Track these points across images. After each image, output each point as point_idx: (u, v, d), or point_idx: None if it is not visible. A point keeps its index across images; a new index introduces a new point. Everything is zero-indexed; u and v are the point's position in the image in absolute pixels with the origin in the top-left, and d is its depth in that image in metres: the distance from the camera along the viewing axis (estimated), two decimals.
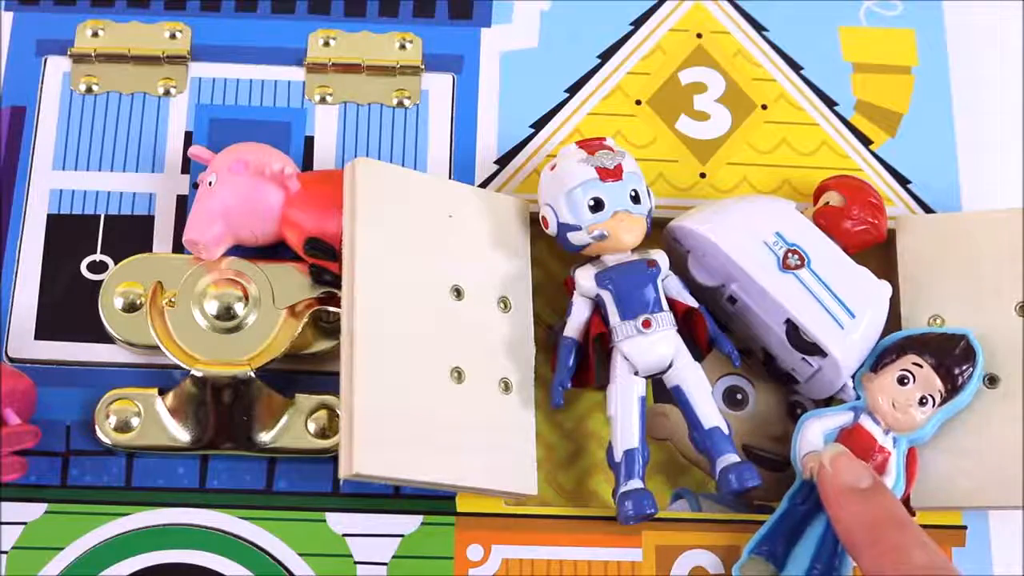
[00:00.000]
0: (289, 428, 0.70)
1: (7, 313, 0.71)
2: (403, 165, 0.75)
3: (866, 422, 0.68)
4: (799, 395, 0.73)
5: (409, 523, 0.69)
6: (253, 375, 0.69)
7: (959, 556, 0.70)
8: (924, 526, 0.69)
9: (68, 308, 0.72)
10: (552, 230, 0.70)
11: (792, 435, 0.69)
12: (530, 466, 0.69)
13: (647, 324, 0.68)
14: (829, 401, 0.71)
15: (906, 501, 0.69)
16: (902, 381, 0.68)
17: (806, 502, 0.68)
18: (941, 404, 0.68)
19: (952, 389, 0.68)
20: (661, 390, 0.71)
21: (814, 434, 0.69)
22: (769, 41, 0.79)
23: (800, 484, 0.68)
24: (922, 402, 0.68)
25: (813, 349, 0.69)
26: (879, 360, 0.69)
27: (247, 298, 0.70)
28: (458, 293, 0.69)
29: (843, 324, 0.68)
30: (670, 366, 0.69)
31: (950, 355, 0.68)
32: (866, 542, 0.61)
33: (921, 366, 0.68)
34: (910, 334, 0.70)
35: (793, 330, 0.69)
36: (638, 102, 0.78)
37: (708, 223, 0.70)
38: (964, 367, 0.68)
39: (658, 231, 0.72)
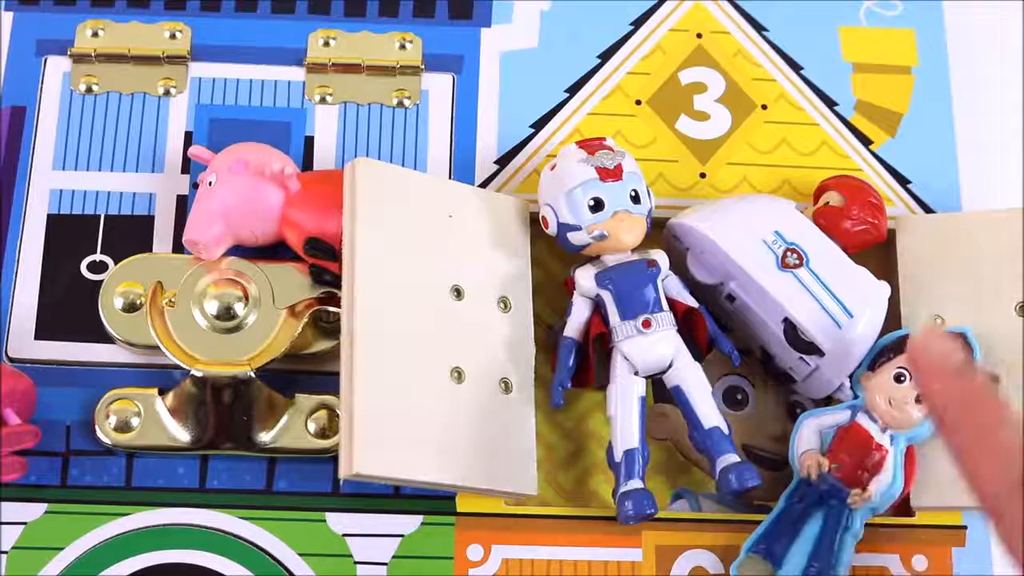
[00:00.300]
0: (289, 428, 0.70)
1: (7, 313, 0.71)
2: (403, 165, 0.75)
3: (863, 420, 0.68)
4: (798, 395, 0.73)
5: (409, 523, 0.69)
6: (253, 375, 0.69)
7: (959, 556, 0.70)
8: (924, 526, 0.69)
9: (68, 308, 0.72)
10: (552, 230, 0.70)
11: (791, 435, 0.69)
12: (530, 466, 0.69)
13: (647, 324, 0.68)
14: (828, 401, 0.71)
15: (906, 500, 0.69)
16: (899, 379, 0.68)
17: (803, 501, 0.68)
18: None
19: None
20: (661, 390, 0.71)
21: (811, 433, 0.69)
22: (769, 41, 0.79)
23: (797, 483, 0.68)
24: (918, 400, 0.68)
25: (811, 348, 0.69)
26: (876, 359, 0.69)
27: (247, 298, 0.70)
28: (458, 293, 0.69)
29: (841, 324, 0.68)
30: (670, 366, 0.69)
31: None
32: (957, 420, 0.60)
33: None
34: (908, 332, 0.70)
35: (791, 329, 0.69)
36: (638, 102, 0.78)
37: (707, 221, 0.70)
38: None
39: (658, 231, 0.72)
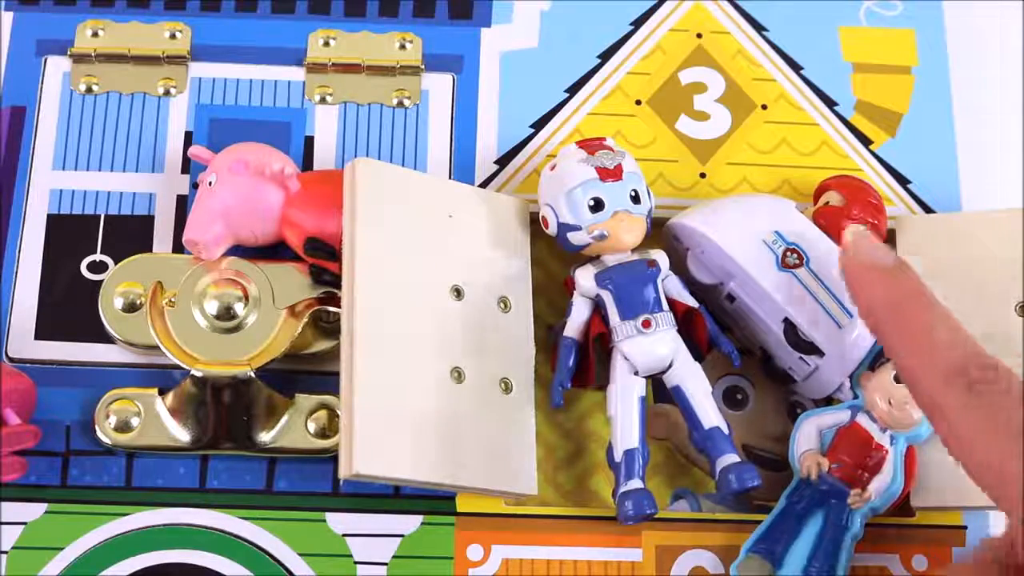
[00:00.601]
0: (289, 428, 0.70)
1: (7, 313, 0.71)
2: (403, 165, 0.75)
3: (863, 420, 0.68)
4: (798, 395, 0.73)
5: (409, 523, 0.69)
6: (253, 375, 0.69)
7: (959, 556, 0.70)
8: (924, 526, 0.69)
9: (68, 308, 0.72)
10: (552, 230, 0.70)
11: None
12: (530, 466, 0.69)
13: (647, 324, 0.68)
14: (829, 401, 0.71)
15: (906, 500, 0.69)
16: (899, 379, 0.68)
17: (803, 500, 0.68)
18: None
19: None
20: (661, 390, 0.71)
21: (811, 433, 0.69)
22: (769, 41, 0.79)
23: (797, 482, 0.68)
24: None
25: (811, 348, 0.69)
26: (876, 359, 0.69)
27: (247, 298, 0.70)
28: (458, 293, 0.69)
29: (841, 324, 0.68)
30: (670, 366, 0.69)
31: None
32: (888, 321, 0.60)
33: None
34: None
35: (791, 329, 0.69)
36: (638, 102, 0.78)
37: (707, 221, 0.70)
38: None
39: (658, 231, 0.72)
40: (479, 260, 0.71)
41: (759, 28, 0.80)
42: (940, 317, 0.59)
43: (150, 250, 0.73)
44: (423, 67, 0.77)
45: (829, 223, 0.71)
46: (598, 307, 0.69)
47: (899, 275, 0.61)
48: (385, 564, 0.68)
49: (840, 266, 0.63)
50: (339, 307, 0.68)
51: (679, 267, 0.71)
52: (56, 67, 0.76)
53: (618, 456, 0.68)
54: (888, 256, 0.62)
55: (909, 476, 0.68)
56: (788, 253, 0.69)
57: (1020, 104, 0.79)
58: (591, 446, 0.73)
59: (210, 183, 0.71)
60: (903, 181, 0.77)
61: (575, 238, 0.69)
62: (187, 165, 0.75)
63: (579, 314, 0.70)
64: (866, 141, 0.77)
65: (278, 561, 0.68)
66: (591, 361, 0.69)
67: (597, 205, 0.68)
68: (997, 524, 0.70)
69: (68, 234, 0.73)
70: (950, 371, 0.57)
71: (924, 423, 0.68)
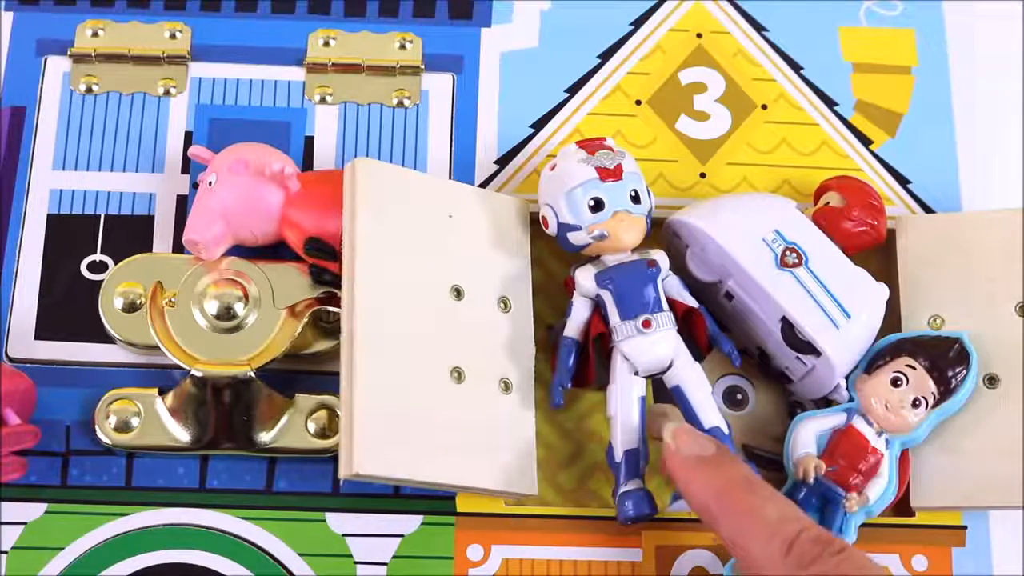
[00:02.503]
0: (289, 428, 0.70)
1: (7, 313, 0.71)
2: (403, 165, 0.75)
3: (859, 423, 0.68)
4: (798, 395, 0.73)
5: (409, 523, 0.69)
6: (253, 375, 0.69)
7: (959, 556, 0.70)
8: (924, 526, 0.69)
9: (68, 308, 0.72)
10: (552, 230, 0.70)
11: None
12: (530, 466, 0.69)
13: (647, 324, 0.68)
14: (827, 402, 0.71)
15: (906, 500, 0.69)
16: (895, 383, 0.68)
17: (797, 502, 0.67)
18: (934, 407, 0.68)
19: (945, 392, 0.68)
20: (661, 390, 0.71)
21: (807, 435, 0.69)
22: (769, 41, 0.79)
23: (792, 484, 0.68)
24: (915, 404, 0.68)
25: (807, 348, 0.69)
26: (873, 361, 0.69)
27: (247, 298, 0.70)
28: (458, 293, 0.69)
29: (838, 324, 0.68)
30: (670, 366, 0.69)
31: (944, 357, 0.68)
32: (719, 509, 0.62)
33: (915, 368, 0.68)
34: (904, 336, 0.70)
35: (788, 328, 0.69)
36: (638, 102, 0.78)
37: (707, 218, 0.70)
38: (958, 370, 0.68)
39: (658, 230, 0.72)
40: (479, 260, 0.71)
41: (759, 28, 0.80)
42: (766, 497, 0.62)
43: (150, 250, 0.73)
44: (423, 67, 0.77)
45: (829, 224, 0.71)
46: (598, 307, 0.69)
47: (722, 463, 0.64)
48: (385, 564, 0.68)
49: (662, 464, 0.65)
50: (339, 307, 0.68)
51: (679, 266, 0.71)
52: (56, 67, 0.76)
53: (618, 456, 0.68)
54: (709, 447, 0.64)
55: (901, 480, 0.68)
56: (787, 252, 0.69)
57: (1020, 104, 0.79)
58: (591, 446, 0.73)
59: (210, 183, 0.71)
60: (903, 181, 0.77)
61: (575, 238, 0.69)
62: (187, 165, 0.75)
63: (579, 314, 0.70)
64: (866, 141, 0.77)
65: (278, 561, 0.68)
66: (591, 361, 0.69)
67: (597, 205, 0.68)
68: (997, 524, 0.70)
69: (68, 234, 0.73)
70: (784, 546, 0.59)
71: (920, 427, 0.68)
